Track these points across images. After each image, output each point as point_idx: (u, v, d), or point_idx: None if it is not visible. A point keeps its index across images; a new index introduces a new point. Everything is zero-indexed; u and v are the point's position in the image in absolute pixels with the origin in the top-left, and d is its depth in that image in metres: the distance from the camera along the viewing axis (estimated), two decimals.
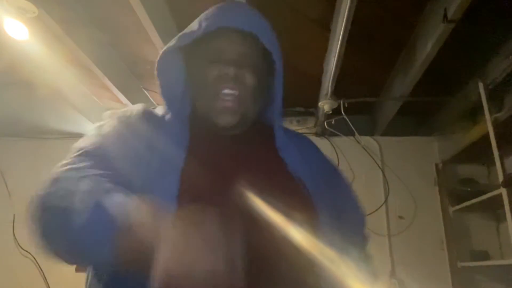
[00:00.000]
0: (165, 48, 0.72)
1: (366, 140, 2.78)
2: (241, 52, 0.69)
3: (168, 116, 0.72)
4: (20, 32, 1.69)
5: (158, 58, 0.72)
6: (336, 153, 2.76)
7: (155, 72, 0.73)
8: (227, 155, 0.69)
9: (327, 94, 2.21)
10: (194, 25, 0.72)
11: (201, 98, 0.72)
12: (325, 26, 1.85)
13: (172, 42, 0.71)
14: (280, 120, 0.75)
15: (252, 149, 0.73)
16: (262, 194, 0.59)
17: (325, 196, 0.71)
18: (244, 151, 0.71)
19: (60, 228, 0.58)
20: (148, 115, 0.72)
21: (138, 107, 0.75)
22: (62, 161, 0.73)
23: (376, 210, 2.61)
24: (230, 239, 0.48)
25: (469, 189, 2.39)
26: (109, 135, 0.71)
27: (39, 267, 2.66)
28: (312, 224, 0.63)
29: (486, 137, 1.97)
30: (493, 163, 1.98)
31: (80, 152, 0.73)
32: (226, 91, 0.68)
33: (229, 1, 0.77)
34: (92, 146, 0.72)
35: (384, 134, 2.77)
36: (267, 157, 0.73)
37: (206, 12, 0.75)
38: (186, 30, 0.73)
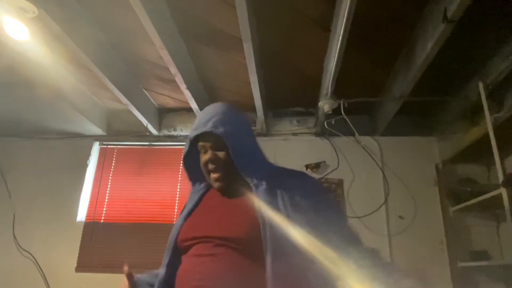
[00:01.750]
0: (183, 153, 1.14)
1: (366, 140, 2.78)
2: (211, 143, 1.06)
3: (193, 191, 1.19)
4: (20, 32, 1.69)
5: (182, 159, 1.16)
6: (336, 153, 2.76)
7: (184, 167, 1.17)
8: (216, 204, 1.08)
9: (327, 94, 2.21)
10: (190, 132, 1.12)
11: (205, 175, 1.11)
12: (325, 26, 1.86)
13: (186, 146, 1.13)
14: (247, 171, 1.04)
15: (230, 199, 1.07)
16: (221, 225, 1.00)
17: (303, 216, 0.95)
18: (224, 201, 1.07)
19: None
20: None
21: None
22: None
23: (376, 210, 2.61)
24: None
25: (469, 189, 2.39)
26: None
27: (39, 267, 2.66)
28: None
29: (486, 137, 1.97)
30: (493, 163, 1.98)
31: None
32: (210, 167, 1.06)
33: (200, 113, 1.16)
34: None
35: (384, 134, 2.77)
36: (235, 203, 1.05)
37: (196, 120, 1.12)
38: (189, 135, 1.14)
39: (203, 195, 1.14)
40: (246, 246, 0.91)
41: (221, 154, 1.05)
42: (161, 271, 1.04)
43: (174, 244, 1.05)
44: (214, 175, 1.06)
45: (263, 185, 1.01)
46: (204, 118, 1.08)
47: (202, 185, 1.16)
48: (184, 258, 1.01)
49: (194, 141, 1.09)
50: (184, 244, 1.01)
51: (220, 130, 1.03)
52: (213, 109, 1.11)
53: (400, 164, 2.73)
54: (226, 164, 1.05)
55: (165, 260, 1.05)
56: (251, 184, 1.02)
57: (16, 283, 2.64)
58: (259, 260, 0.88)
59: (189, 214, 1.09)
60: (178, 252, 1.04)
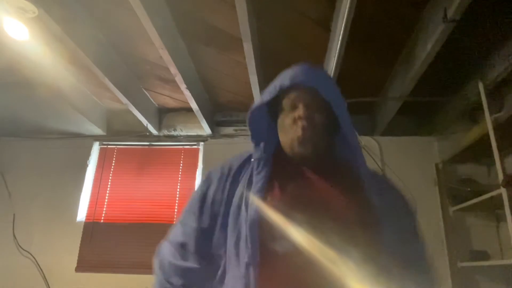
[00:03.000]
0: (254, 105, 0.94)
1: (366, 140, 2.78)
2: (309, 100, 0.88)
3: (255, 155, 0.92)
4: (20, 32, 1.69)
5: (249, 112, 0.93)
6: None
7: (247, 122, 0.94)
8: (302, 183, 0.87)
9: None
10: (272, 85, 0.92)
11: (284, 137, 0.91)
12: (325, 26, 1.85)
13: (258, 101, 0.93)
14: (359, 155, 0.88)
15: (327, 179, 0.88)
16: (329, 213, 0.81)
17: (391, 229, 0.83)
18: (319, 180, 0.87)
19: None
20: (243, 161, 0.95)
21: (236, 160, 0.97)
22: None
23: None
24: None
25: (469, 189, 2.39)
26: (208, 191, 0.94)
27: (39, 267, 2.66)
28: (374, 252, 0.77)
29: (486, 137, 1.97)
30: (493, 163, 1.98)
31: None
32: (300, 126, 0.86)
33: (299, 65, 0.96)
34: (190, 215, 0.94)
35: (384, 134, 2.77)
36: (341, 187, 0.87)
37: (281, 74, 0.94)
38: (267, 89, 0.93)
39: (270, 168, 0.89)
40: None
41: (317, 113, 0.87)
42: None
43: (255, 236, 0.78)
44: (300, 133, 0.85)
45: (374, 185, 0.85)
46: (310, 71, 0.93)
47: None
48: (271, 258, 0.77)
49: (280, 93, 0.89)
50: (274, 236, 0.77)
51: (330, 93, 0.87)
52: (319, 70, 0.96)
53: (400, 164, 2.73)
54: (321, 129, 0.87)
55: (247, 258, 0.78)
56: (361, 176, 0.85)
57: (16, 283, 2.64)
58: None
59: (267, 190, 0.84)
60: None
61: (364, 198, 0.82)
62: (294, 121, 0.87)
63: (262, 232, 0.78)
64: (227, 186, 0.91)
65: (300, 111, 0.87)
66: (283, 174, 0.87)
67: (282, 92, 0.90)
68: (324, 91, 0.87)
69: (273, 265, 0.77)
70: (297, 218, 0.77)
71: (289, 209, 0.79)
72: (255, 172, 0.87)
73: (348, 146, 0.90)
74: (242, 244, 0.79)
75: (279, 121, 0.92)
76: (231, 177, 0.92)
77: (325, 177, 0.87)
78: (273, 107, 0.94)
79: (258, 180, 0.85)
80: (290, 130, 0.88)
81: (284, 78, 0.91)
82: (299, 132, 0.85)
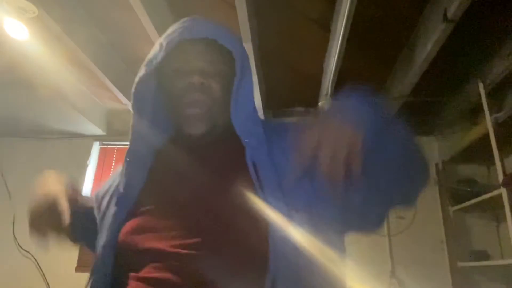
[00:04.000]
0: (137, 79, 0.76)
1: None
2: (205, 60, 0.72)
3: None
4: (20, 32, 1.69)
5: (133, 90, 0.77)
6: None
7: (131, 102, 0.78)
8: (192, 159, 0.73)
9: (327, 94, 2.21)
10: (156, 48, 0.75)
11: (172, 108, 0.75)
12: (325, 26, 1.85)
13: (141, 71, 0.75)
14: (247, 122, 0.73)
15: (216, 153, 0.74)
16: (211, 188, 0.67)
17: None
18: (208, 155, 0.73)
19: None
20: None
21: None
22: None
23: None
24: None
25: (469, 189, 2.39)
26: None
27: (39, 267, 2.66)
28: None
29: (486, 137, 1.97)
30: (493, 163, 1.98)
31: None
32: (193, 99, 0.71)
33: (185, 18, 0.78)
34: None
35: None
36: (226, 159, 0.73)
37: (165, 33, 0.77)
38: (149, 55, 0.76)
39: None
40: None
41: (214, 81, 0.71)
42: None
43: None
44: (195, 109, 0.71)
45: (263, 147, 0.69)
46: (198, 21, 0.74)
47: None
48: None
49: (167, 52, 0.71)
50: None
51: (230, 43, 0.71)
52: (209, 20, 0.76)
53: None
54: (218, 98, 0.72)
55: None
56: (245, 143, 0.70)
57: (16, 283, 2.63)
58: None
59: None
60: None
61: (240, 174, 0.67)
62: (185, 89, 0.70)
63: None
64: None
65: (192, 77, 0.69)
66: (169, 157, 0.75)
67: (170, 53, 0.72)
68: (224, 40, 0.70)
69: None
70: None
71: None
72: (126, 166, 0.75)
73: (240, 105, 0.73)
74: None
75: (167, 86, 0.75)
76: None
77: (208, 153, 0.73)
78: (160, 72, 0.77)
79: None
80: (179, 101, 0.72)
81: (169, 36, 0.73)
82: (193, 107, 0.70)
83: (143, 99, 0.77)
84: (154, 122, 0.78)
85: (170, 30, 0.75)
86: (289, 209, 0.62)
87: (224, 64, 0.73)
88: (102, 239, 0.72)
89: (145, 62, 0.76)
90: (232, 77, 0.73)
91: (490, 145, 1.92)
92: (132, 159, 0.76)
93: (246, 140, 0.70)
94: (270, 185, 0.65)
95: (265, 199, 0.63)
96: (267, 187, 0.65)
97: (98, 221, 0.81)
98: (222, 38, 0.71)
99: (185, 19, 0.77)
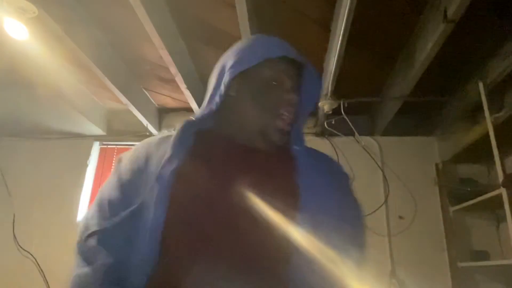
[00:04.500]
0: (235, 68, 0.81)
1: (366, 140, 2.78)
2: (295, 80, 0.82)
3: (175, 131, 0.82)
4: (20, 32, 1.69)
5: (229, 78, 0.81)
6: (336, 153, 2.76)
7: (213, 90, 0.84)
8: (233, 160, 0.78)
9: (327, 94, 2.21)
10: (246, 53, 0.82)
11: (260, 114, 0.81)
12: (325, 26, 1.85)
13: (238, 67, 0.80)
14: (301, 132, 0.86)
15: (260, 157, 0.80)
16: (255, 194, 0.69)
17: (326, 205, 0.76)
18: (251, 159, 0.79)
19: None
20: (158, 139, 0.85)
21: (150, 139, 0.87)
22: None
23: (376, 210, 2.61)
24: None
25: (469, 189, 2.39)
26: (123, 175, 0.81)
27: (39, 267, 2.66)
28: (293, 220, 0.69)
29: (486, 137, 1.97)
30: (493, 163, 1.98)
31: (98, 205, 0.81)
32: (286, 113, 0.79)
33: (265, 35, 0.90)
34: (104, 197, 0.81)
35: (384, 134, 2.77)
36: (274, 165, 0.80)
37: (249, 42, 0.88)
38: (242, 55, 0.82)
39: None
40: None
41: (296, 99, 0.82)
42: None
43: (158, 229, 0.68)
44: (286, 125, 0.80)
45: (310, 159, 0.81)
46: (287, 45, 0.85)
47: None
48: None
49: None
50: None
51: (313, 74, 0.84)
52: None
53: (400, 164, 2.73)
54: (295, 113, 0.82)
55: (147, 257, 0.67)
56: (293, 150, 0.81)
57: (16, 283, 2.63)
58: None
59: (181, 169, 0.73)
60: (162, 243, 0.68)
61: (291, 180, 0.74)
62: (280, 103, 0.78)
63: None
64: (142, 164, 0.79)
65: (290, 95, 0.79)
66: (205, 153, 0.78)
67: (263, 62, 0.80)
68: (311, 69, 0.82)
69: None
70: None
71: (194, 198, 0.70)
72: (171, 148, 0.76)
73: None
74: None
75: (254, 94, 0.80)
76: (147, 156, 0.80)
77: (255, 160, 0.78)
78: (244, 77, 0.83)
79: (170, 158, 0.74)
80: (271, 112, 0.79)
81: (270, 46, 0.84)
82: (286, 123, 0.80)
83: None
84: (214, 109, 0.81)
85: (261, 40, 0.88)
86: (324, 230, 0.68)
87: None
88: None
89: (238, 53, 0.83)
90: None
91: (490, 145, 1.92)
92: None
93: (296, 148, 0.81)
94: (311, 202, 0.72)
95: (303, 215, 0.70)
96: (309, 203, 0.72)
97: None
98: (307, 63, 0.83)
99: (272, 37, 0.89)
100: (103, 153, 3.04)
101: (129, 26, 1.93)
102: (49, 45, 1.98)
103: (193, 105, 2.52)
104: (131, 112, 2.65)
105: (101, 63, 2.09)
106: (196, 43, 2.10)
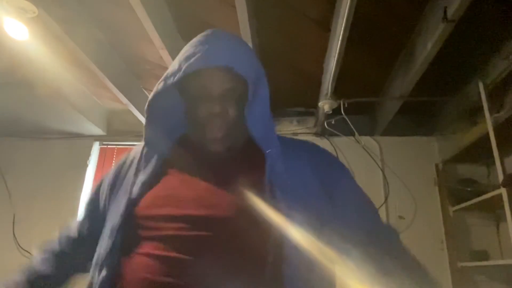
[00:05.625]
0: (153, 93, 0.81)
1: (366, 140, 2.78)
2: (224, 88, 0.78)
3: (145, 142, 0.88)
4: (20, 32, 1.69)
5: (148, 102, 0.82)
6: (336, 153, 2.76)
7: (146, 108, 0.83)
8: (207, 168, 0.79)
9: (327, 94, 2.21)
10: (174, 66, 0.80)
11: (193, 129, 0.84)
12: (325, 26, 1.85)
13: (160, 85, 0.80)
14: (265, 132, 0.81)
15: (233, 162, 0.81)
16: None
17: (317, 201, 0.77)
18: (224, 167, 0.79)
19: None
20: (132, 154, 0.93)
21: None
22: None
23: None
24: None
25: (469, 189, 2.39)
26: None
27: None
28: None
29: (486, 137, 1.97)
30: (493, 163, 1.98)
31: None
32: (214, 125, 0.78)
33: (205, 34, 0.84)
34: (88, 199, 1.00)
35: (384, 134, 2.77)
36: (242, 168, 0.79)
37: (184, 50, 0.82)
38: (167, 72, 0.81)
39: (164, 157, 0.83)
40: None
41: (231, 106, 0.78)
42: (98, 272, 0.70)
43: (123, 224, 0.71)
44: (216, 134, 0.78)
45: (279, 160, 0.77)
46: (224, 45, 0.80)
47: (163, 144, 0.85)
48: (142, 249, 0.68)
49: (186, 78, 0.77)
50: (146, 225, 0.70)
51: (245, 70, 0.77)
52: (227, 37, 0.83)
53: (400, 164, 2.73)
54: (235, 121, 0.79)
55: (105, 252, 0.71)
56: (265, 153, 0.77)
57: None
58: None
59: (151, 181, 0.77)
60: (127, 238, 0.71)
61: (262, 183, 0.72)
62: (207, 116, 0.77)
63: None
64: (121, 174, 0.87)
65: (215, 107, 0.76)
66: (180, 162, 0.81)
67: (188, 76, 0.77)
68: (241, 68, 0.76)
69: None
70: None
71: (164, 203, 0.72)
72: (143, 161, 0.83)
73: (256, 120, 0.80)
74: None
75: (188, 107, 0.81)
76: (126, 166, 0.87)
77: (226, 164, 0.80)
78: (181, 90, 0.83)
79: (147, 169, 0.80)
80: (202, 126, 0.79)
81: (192, 56, 0.77)
82: (215, 132, 0.78)
83: (156, 111, 0.83)
84: (167, 131, 0.86)
85: (189, 49, 0.80)
86: (303, 218, 0.68)
87: (239, 88, 0.79)
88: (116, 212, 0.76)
89: (162, 77, 0.81)
90: (247, 95, 0.79)
91: (490, 145, 1.92)
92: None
93: (267, 151, 0.77)
94: (285, 193, 0.71)
95: (278, 205, 0.69)
96: (282, 194, 0.71)
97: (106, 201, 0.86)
98: (238, 65, 0.76)
99: (204, 35, 0.83)
100: (103, 153, 3.04)
101: (129, 26, 1.93)
102: (49, 45, 1.98)
103: None
104: (131, 112, 2.65)
105: (101, 63, 2.09)
106: None
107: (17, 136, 3.02)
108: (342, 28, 1.59)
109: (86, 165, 2.96)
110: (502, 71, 1.88)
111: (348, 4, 1.45)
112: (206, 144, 0.81)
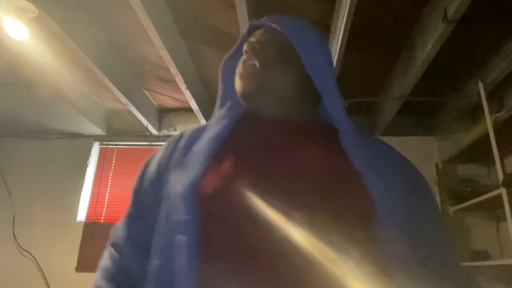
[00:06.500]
0: (225, 58, 0.85)
1: None
2: (261, 36, 0.76)
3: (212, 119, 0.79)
4: (20, 32, 1.69)
5: (222, 63, 0.85)
6: None
7: (219, 77, 0.85)
8: (269, 142, 0.68)
9: None
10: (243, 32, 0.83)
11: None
12: (325, 26, 1.85)
13: (230, 52, 0.84)
14: (341, 115, 0.76)
15: (301, 138, 0.71)
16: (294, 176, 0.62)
17: (398, 204, 0.65)
18: (291, 139, 0.70)
19: None
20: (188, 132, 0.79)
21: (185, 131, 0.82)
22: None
23: None
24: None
25: (469, 189, 2.39)
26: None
27: (39, 267, 2.66)
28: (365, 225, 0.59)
29: (486, 137, 1.97)
30: (493, 163, 1.98)
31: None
32: (245, 60, 0.74)
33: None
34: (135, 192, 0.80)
35: (384, 134, 2.76)
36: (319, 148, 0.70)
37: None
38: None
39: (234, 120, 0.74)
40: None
41: (270, 52, 0.74)
42: (153, 262, 0.63)
43: (192, 201, 0.59)
44: (244, 67, 0.75)
45: (357, 134, 0.70)
46: (277, 15, 0.79)
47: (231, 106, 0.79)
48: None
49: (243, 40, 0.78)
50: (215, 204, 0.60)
51: (294, 32, 0.73)
52: (289, 16, 0.81)
53: None
54: (276, 68, 0.73)
55: (160, 240, 0.63)
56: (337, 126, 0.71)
57: (16, 283, 2.63)
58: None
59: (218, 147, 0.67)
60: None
61: (345, 163, 0.64)
62: (239, 67, 0.75)
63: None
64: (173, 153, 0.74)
65: (247, 44, 0.73)
66: (240, 135, 0.71)
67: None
68: (285, 29, 0.72)
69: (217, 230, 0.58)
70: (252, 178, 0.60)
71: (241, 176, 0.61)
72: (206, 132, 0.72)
73: (326, 105, 0.76)
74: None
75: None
76: (177, 146, 0.75)
77: (294, 134, 0.70)
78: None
79: (209, 139, 0.69)
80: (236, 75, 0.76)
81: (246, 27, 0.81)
82: (240, 67, 0.74)
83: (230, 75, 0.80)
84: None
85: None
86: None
87: (284, 42, 0.73)
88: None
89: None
90: (295, 57, 0.73)
91: (490, 145, 1.92)
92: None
93: (337, 125, 0.73)
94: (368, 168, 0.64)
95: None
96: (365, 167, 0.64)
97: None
98: (285, 28, 0.73)
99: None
100: (103, 153, 3.04)
101: (129, 26, 1.93)
102: (49, 45, 1.98)
103: (193, 105, 2.52)
104: (131, 112, 2.65)
105: (101, 63, 2.09)
106: (196, 43, 2.10)
107: (17, 136, 3.02)
108: (342, 28, 1.59)
109: (86, 165, 2.96)
110: (502, 71, 1.88)
111: (348, 4, 1.45)
112: (237, 87, 0.77)
